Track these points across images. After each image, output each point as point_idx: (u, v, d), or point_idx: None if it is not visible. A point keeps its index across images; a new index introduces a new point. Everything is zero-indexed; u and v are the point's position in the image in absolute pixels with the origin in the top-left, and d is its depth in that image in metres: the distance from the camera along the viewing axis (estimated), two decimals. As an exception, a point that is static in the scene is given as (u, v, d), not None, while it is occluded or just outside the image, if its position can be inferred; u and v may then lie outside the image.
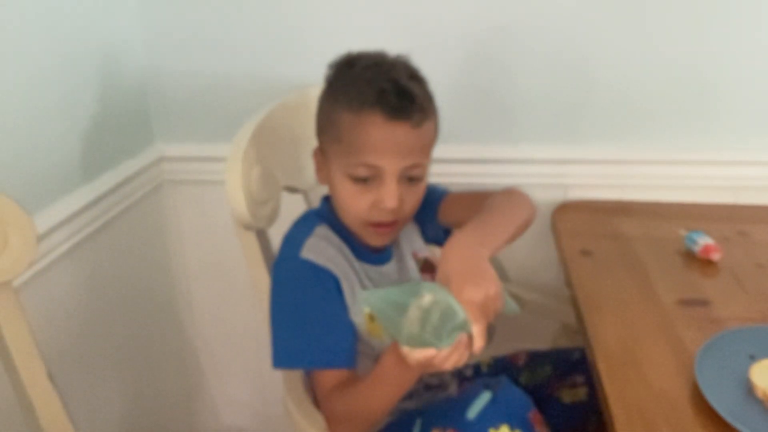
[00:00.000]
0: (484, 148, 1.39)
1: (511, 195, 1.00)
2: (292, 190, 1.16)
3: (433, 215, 1.08)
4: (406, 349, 0.74)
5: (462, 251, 0.80)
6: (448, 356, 0.74)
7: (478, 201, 1.00)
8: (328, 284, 0.92)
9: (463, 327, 0.74)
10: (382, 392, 0.85)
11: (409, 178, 0.91)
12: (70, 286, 1.20)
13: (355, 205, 0.91)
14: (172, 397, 1.60)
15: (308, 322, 0.91)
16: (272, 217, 1.06)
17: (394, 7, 1.31)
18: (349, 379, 0.89)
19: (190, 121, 1.45)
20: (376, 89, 0.87)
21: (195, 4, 1.36)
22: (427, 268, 1.07)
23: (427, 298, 0.73)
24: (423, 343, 0.73)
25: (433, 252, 1.11)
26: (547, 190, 1.40)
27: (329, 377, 0.90)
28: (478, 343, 0.75)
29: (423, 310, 0.73)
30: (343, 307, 0.93)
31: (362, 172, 0.89)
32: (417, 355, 0.73)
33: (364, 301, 0.76)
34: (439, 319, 0.73)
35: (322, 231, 0.96)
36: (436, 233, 1.10)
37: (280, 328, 0.93)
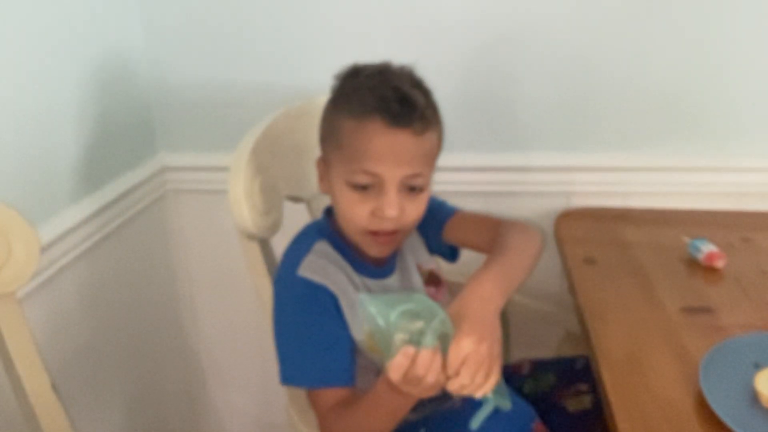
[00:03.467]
0: (488, 156, 1.39)
1: (526, 234, 0.99)
2: (295, 199, 1.16)
3: (438, 231, 1.08)
4: (387, 364, 0.73)
5: (483, 302, 0.81)
6: (428, 362, 0.72)
7: (489, 228, 1.01)
8: (326, 302, 0.91)
9: (447, 334, 0.74)
10: (377, 416, 0.84)
11: (411, 187, 0.90)
12: (73, 296, 1.21)
13: (355, 213, 0.91)
14: (175, 407, 1.60)
15: (305, 341, 0.91)
16: (275, 227, 1.06)
17: (398, 16, 1.32)
18: (347, 398, 0.88)
19: (193, 130, 1.46)
20: (378, 96, 0.87)
21: (198, 14, 1.36)
22: (432, 280, 1.06)
23: (417, 325, 0.73)
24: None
25: (438, 264, 1.11)
26: (550, 197, 1.40)
27: (327, 396, 0.89)
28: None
29: (412, 334, 0.72)
30: (341, 325, 0.92)
31: (362, 179, 0.88)
32: (397, 359, 0.71)
33: (360, 303, 0.75)
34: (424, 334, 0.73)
35: (321, 247, 0.96)
36: (441, 248, 1.10)
37: (282, 346, 0.93)
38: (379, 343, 0.75)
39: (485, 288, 0.82)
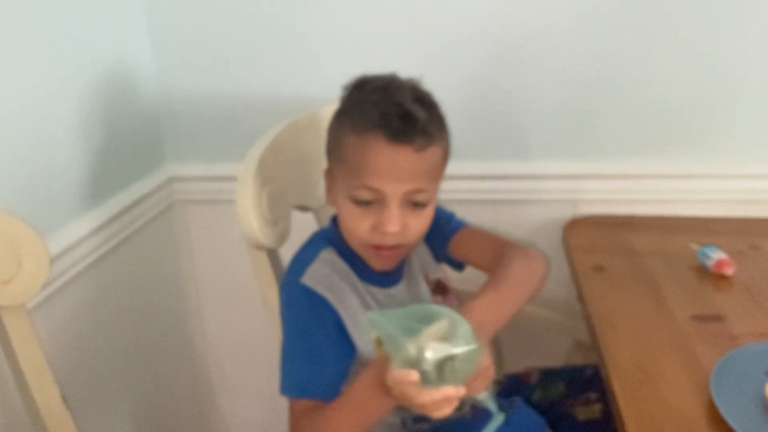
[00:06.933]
0: (495, 165, 1.39)
1: (528, 262, 0.98)
2: (302, 209, 1.16)
3: (444, 245, 1.08)
4: (395, 367, 0.72)
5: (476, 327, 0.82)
6: (431, 402, 0.72)
7: (493, 249, 1.01)
8: (323, 314, 0.91)
9: (473, 358, 0.73)
10: (350, 415, 0.83)
11: (414, 203, 0.90)
12: (82, 307, 1.21)
13: (357, 227, 0.91)
14: (183, 416, 1.60)
15: (295, 350, 0.91)
16: (283, 237, 1.06)
17: (405, 26, 1.32)
18: (322, 405, 0.88)
19: (201, 141, 1.46)
20: (380, 112, 0.87)
21: (205, 25, 1.37)
22: (439, 290, 1.06)
23: (442, 325, 0.72)
24: (426, 378, 0.71)
25: (445, 273, 1.10)
26: (557, 205, 1.40)
27: (302, 403, 0.89)
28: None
29: (436, 338, 0.71)
30: (332, 340, 0.91)
31: (364, 194, 0.89)
32: (402, 376, 0.71)
33: (369, 321, 0.75)
34: (448, 352, 0.71)
35: (327, 255, 0.96)
36: (447, 259, 1.10)
37: (282, 354, 0.93)
38: (389, 347, 0.74)
39: (474, 320, 0.82)
